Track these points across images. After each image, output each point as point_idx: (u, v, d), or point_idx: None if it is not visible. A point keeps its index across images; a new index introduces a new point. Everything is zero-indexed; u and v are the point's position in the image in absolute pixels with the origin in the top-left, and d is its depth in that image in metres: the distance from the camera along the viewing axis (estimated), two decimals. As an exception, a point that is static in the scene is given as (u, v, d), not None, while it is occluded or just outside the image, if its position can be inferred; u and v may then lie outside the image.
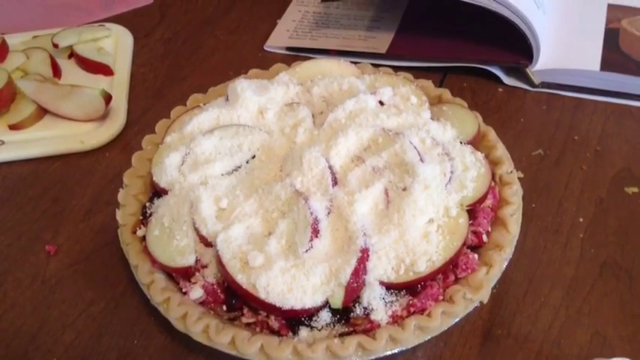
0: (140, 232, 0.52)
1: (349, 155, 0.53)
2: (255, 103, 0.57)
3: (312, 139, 0.55)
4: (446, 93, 0.61)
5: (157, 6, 0.85)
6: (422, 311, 0.46)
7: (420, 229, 0.48)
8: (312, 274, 0.45)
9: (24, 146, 0.66)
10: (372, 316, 0.46)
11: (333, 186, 0.50)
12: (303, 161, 0.51)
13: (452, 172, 0.51)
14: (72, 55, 0.76)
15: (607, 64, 0.67)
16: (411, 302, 0.46)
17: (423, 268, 0.46)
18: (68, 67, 0.75)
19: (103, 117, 0.68)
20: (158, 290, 0.49)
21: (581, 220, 0.57)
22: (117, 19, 0.82)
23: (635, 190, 0.59)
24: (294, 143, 0.55)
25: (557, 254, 0.55)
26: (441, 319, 0.46)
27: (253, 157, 0.54)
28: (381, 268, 0.47)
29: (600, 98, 0.67)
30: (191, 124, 0.57)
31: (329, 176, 0.50)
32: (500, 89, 0.69)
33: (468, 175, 0.51)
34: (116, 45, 0.78)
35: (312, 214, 0.48)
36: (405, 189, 0.49)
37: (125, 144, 0.67)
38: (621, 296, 0.51)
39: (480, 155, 0.53)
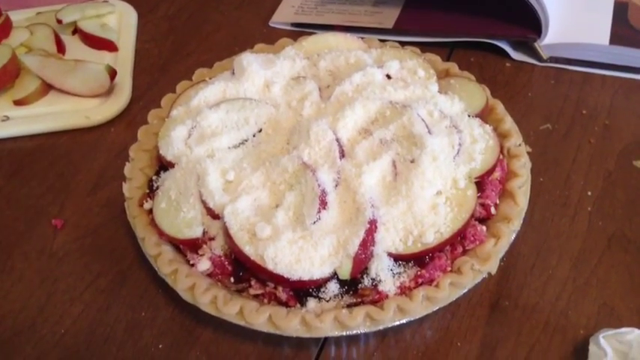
0: (147, 205, 0.52)
1: (356, 128, 0.52)
2: (261, 76, 0.57)
3: (319, 112, 0.54)
4: (453, 67, 0.60)
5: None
6: (430, 282, 0.46)
7: (428, 200, 0.47)
8: (319, 246, 0.45)
9: (29, 122, 0.66)
10: (380, 287, 0.46)
11: (340, 158, 0.50)
12: (311, 134, 0.50)
13: (460, 144, 0.51)
14: (76, 31, 0.75)
15: (616, 38, 0.66)
16: (418, 273, 0.46)
17: (431, 239, 0.46)
18: (72, 43, 0.74)
19: (108, 92, 0.67)
20: (165, 262, 0.48)
21: (589, 193, 0.57)
22: (120, -5, 0.81)
23: (644, 163, 0.58)
24: (301, 116, 0.54)
25: (565, 227, 0.54)
26: (448, 290, 0.46)
27: (260, 130, 0.54)
28: (389, 240, 0.46)
29: (609, 72, 0.66)
30: (197, 97, 0.57)
31: (336, 149, 0.50)
32: (507, 64, 0.69)
33: (476, 148, 0.51)
34: (120, 21, 0.77)
35: (319, 186, 0.47)
36: (412, 161, 0.49)
37: (130, 119, 0.67)
38: (629, 268, 0.51)
39: (488, 128, 0.53)
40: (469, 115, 0.54)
